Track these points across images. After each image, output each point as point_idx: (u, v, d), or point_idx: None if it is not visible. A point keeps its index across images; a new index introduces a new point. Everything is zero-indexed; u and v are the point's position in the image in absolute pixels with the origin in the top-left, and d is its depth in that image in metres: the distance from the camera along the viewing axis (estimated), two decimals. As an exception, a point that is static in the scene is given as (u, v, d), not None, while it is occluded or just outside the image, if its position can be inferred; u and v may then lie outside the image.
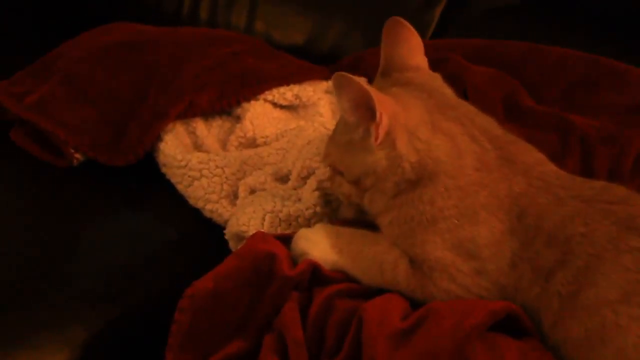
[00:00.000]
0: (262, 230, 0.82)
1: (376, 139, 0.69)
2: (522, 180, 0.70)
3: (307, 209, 0.84)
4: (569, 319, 0.65)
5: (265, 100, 1.01)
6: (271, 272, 0.73)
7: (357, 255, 0.74)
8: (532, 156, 0.74)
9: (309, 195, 0.85)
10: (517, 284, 0.68)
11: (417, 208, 0.70)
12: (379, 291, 0.73)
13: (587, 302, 0.64)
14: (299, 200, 0.85)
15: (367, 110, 0.68)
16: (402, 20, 0.77)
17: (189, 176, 0.93)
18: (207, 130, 1.00)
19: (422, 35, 0.94)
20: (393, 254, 0.72)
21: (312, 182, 0.86)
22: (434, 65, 0.80)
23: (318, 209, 0.84)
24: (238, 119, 1.01)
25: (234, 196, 0.92)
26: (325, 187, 0.85)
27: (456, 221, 0.69)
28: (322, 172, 0.86)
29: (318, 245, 0.75)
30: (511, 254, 0.68)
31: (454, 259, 0.69)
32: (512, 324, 0.67)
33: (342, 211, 0.85)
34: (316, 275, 0.74)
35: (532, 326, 0.67)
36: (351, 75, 0.67)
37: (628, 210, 0.67)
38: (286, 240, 0.78)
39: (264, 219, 0.83)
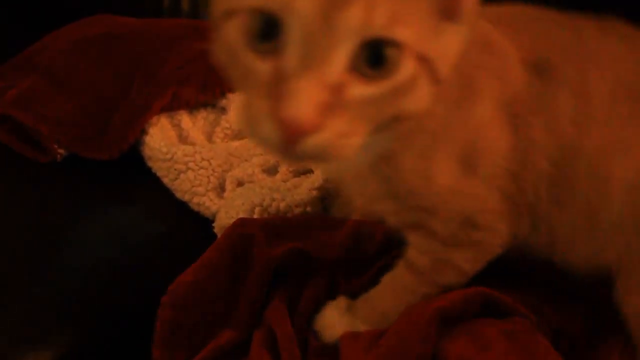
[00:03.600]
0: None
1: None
2: None
3: (296, 206, 0.83)
4: None
5: (251, 91, 1.00)
6: (249, 255, 0.73)
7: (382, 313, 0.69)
8: None
9: (305, 194, 0.84)
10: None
11: None
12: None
13: None
14: (288, 191, 0.84)
15: None
16: None
17: (174, 169, 0.91)
18: (192, 123, 0.99)
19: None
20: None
21: (312, 181, 0.85)
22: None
23: (309, 208, 0.83)
24: (223, 110, 1.00)
25: (221, 189, 0.91)
26: (328, 187, 0.83)
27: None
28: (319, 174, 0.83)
29: (342, 325, 0.70)
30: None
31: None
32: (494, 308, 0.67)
33: (335, 209, 0.84)
34: (302, 256, 0.73)
35: (513, 304, 0.67)
36: None
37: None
38: (271, 223, 0.77)
39: (252, 212, 0.82)
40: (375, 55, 0.46)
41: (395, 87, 0.47)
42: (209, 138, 0.98)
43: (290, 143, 0.45)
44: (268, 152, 0.72)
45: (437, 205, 0.63)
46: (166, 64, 1.00)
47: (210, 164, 0.91)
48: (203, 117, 1.00)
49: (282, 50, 0.45)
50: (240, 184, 0.89)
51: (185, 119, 0.98)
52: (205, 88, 0.98)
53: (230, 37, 0.47)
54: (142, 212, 0.92)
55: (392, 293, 0.69)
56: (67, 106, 0.98)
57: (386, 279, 0.70)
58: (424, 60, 0.47)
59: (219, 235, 0.85)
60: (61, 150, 0.95)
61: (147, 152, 0.94)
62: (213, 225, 0.86)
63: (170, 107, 0.97)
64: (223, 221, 0.83)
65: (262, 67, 0.46)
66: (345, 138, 0.47)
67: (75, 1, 1.32)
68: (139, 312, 0.81)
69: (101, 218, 0.91)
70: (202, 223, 0.89)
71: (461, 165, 0.62)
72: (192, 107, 0.99)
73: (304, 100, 0.44)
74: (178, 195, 0.92)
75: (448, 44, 0.50)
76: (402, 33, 0.45)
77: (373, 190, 0.63)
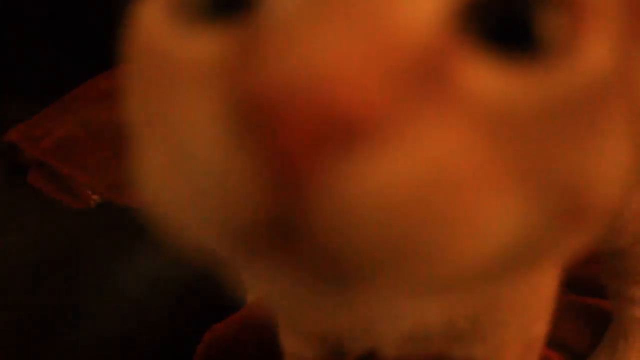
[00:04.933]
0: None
1: None
2: None
3: None
4: None
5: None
6: None
7: None
8: None
9: None
10: None
11: None
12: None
13: None
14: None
15: None
16: None
17: (204, 216, 0.94)
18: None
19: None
20: None
21: None
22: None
23: None
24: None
25: (249, 236, 0.93)
26: None
27: None
28: None
29: None
30: None
31: None
32: None
33: None
34: None
35: None
36: None
37: None
38: None
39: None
40: (516, 25, 0.19)
41: (565, 90, 0.19)
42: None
43: (296, 169, 0.16)
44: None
45: None
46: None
47: (239, 211, 0.93)
48: (232, 165, 1.02)
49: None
50: (268, 231, 0.91)
51: (214, 167, 1.01)
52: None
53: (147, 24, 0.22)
54: (172, 258, 0.94)
55: None
56: (101, 154, 1.01)
57: None
58: (624, 62, 0.20)
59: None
60: (95, 197, 0.98)
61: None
62: (241, 271, 0.88)
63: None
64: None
65: (207, 47, 0.20)
66: (481, 188, 0.18)
67: (110, 52, 1.37)
68: (171, 356, 0.83)
69: (131, 263, 0.93)
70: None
71: None
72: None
73: (339, 43, 0.16)
74: (207, 241, 0.93)
75: None
76: None
77: None
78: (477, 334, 0.34)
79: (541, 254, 0.21)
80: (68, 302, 0.87)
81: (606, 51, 0.19)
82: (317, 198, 0.16)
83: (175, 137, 0.19)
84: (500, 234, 0.18)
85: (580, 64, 0.19)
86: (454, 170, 0.17)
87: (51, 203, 1.00)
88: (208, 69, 0.19)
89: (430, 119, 0.16)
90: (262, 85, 0.16)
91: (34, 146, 1.02)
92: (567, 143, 0.19)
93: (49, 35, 1.22)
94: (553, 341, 0.74)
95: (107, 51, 1.14)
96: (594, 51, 0.19)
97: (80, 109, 1.07)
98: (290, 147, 0.15)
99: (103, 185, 0.98)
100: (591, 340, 0.76)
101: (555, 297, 0.42)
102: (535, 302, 0.39)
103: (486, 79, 0.18)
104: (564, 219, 0.19)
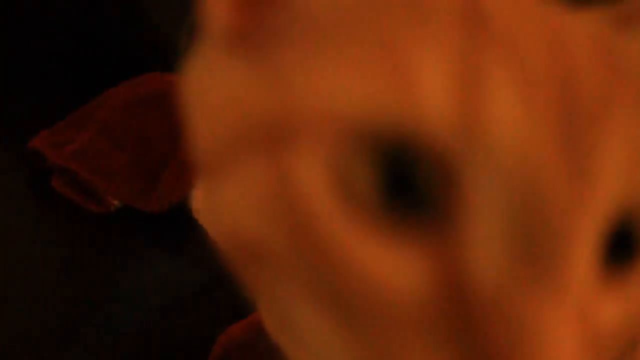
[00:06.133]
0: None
1: None
2: None
3: None
4: None
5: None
6: None
7: None
8: None
9: None
10: None
11: None
12: None
13: None
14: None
15: None
16: None
17: (220, 221, 0.96)
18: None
19: None
20: None
21: None
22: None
23: None
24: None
25: (264, 241, 0.95)
26: None
27: None
28: None
29: None
30: None
31: None
32: None
33: None
34: None
35: None
36: None
37: None
38: None
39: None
40: (621, 239, 0.21)
41: None
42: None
43: None
44: None
45: None
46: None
47: (254, 217, 0.95)
48: (248, 172, 1.04)
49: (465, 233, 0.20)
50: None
51: (231, 174, 1.03)
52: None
53: (301, 194, 0.20)
54: (189, 262, 0.97)
55: None
56: (121, 160, 1.04)
57: None
58: None
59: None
60: (115, 202, 1.01)
61: (194, 204, 0.99)
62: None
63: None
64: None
65: (400, 269, 0.19)
66: None
67: (128, 60, 1.40)
68: (186, 358, 0.85)
69: (150, 267, 0.96)
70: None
71: None
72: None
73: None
74: (223, 246, 0.95)
75: None
76: None
77: None
78: None
79: None
80: (87, 304, 0.89)
81: None
82: None
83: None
84: None
85: None
86: None
87: (73, 207, 1.03)
88: (409, 302, 0.19)
89: None
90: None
91: (57, 152, 1.05)
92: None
93: (74, 42, 1.25)
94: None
95: (129, 59, 1.18)
96: None
97: (101, 116, 1.10)
98: None
99: (122, 191, 1.00)
100: None
101: None
102: None
103: (611, 308, 0.21)
104: None
